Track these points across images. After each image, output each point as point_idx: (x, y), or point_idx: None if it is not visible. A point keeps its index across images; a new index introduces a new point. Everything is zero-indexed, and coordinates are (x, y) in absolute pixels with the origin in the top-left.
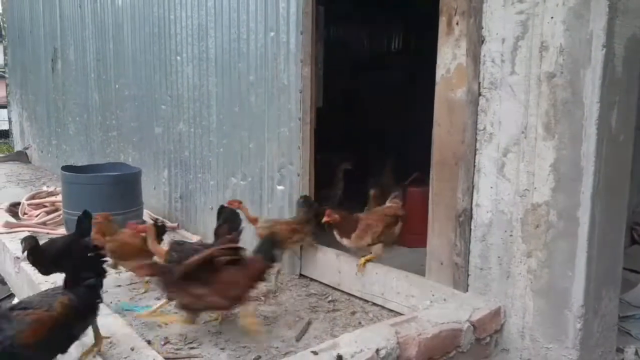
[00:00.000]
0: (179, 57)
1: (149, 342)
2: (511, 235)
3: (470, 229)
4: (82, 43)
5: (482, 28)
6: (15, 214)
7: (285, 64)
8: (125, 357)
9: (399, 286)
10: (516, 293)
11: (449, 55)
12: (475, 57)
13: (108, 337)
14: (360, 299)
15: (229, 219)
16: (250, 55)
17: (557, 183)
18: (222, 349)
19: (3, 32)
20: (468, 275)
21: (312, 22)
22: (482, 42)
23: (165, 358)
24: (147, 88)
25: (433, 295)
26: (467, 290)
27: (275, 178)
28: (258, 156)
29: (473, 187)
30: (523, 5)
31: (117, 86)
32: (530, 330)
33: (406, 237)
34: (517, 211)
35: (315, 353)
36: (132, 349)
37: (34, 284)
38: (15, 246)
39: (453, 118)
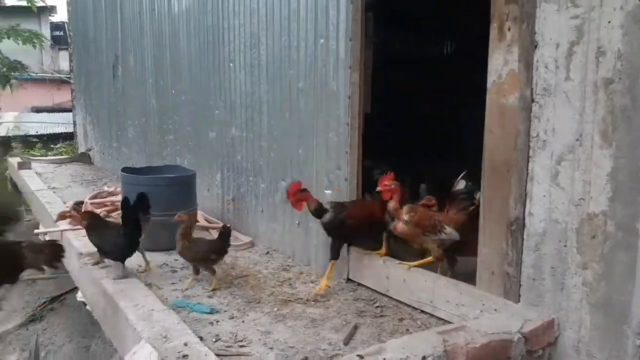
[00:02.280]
0: (232, 64)
1: (201, 339)
2: (565, 246)
3: (523, 238)
4: (141, 50)
5: (535, 33)
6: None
7: (334, 70)
8: (179, 352)
9: (449, 294)
10: (571, 306)
11: (501, 61)
12: (527, 63)
13: None
14: (409, 305)
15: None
16: (300, 62)
17: (615, 192)
18: (270, 348)
19: (69, 40)
20: (520, 285)
21: (361, 28)
22: (535, 47)
23: (216, 355)
24: (202, 94)
25: (483, 305)
26: (518, 301)
27: (324, 183)
28: (307, 161)
29: (526, 195)
30: (578, 9)
31: (173, 92)
32: (586, 345)
33: None
34: (572, 221)
35: (361, 357)
36: (185, 344)
37: (95, 279)
38: (79, 243)
39: (505, 125)
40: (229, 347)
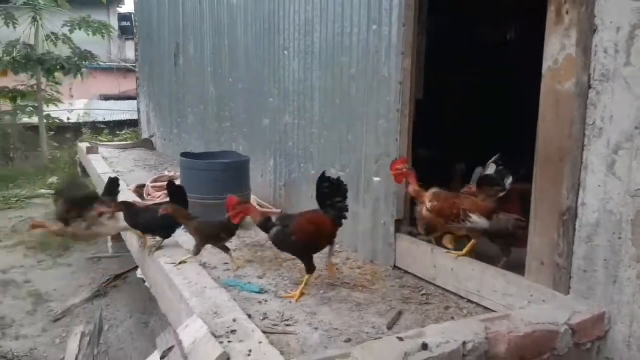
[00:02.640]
0: (286, 52)
1: (249, 316)
2: (620, 238)
3: (575, 229)
4: (200, 39)
5: (595, 17)
6: (140, 195)
7: (386, 56)
8: (228, 327)
9: (496, 284)
10: (623, 299)
11: (557, 46)
12: (585, 47)
13: None
14: (455, 294)
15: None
16: (352, 49)
17: None
18: (315, 328)
19: (135, 30)
20: (570, 277)
21: (415, 14)
22: (594, 31)
23: (263, 332)
24: (257, 82)
25: (532, 296)
26: (568, 293)
27: (372, 169)
28: (356, 147)
29: (579, 184)
30: None
31: (230, 80)
32: (638, 340)
33: None
34: (628, 212)
35: (401, 339)
36: (234, 320)
37: (153, 258)
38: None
39: (560, 112)
40: (275, 325)
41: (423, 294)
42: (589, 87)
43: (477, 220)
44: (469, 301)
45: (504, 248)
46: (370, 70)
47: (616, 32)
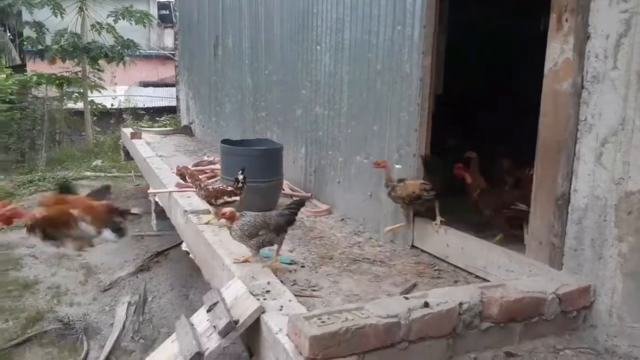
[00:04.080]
0: (318, 47)
1: (281, 282)
2: (605, 220)
3: (568, 212)
4: (239, 32)
5: (589, 25)
6: (183, 177)
7: (408, 54)
8: (263, 288)
9: (500, 261)
10: (606, 274)
11: (558, 50)
12: (580, 52)
13: None
14: (465, 270)
15: None
16: (378, 46)
17: None
18: (337, 293)
19: (174, 20)
20: (563, 255)
21: (435, 15)
22: (588, 38)
23: (292, 293)
24: (291, 74)
25: (530, 271)
26: (561, 269)
27: (394, 158)
28: (380, 137)
29: (572, 173)
30: (627, 4)
31: (266, 71)
32: (618, 310)
33: None
34: (612, 198)
35: (406, 298)
36: (269, 283)
37: (198, 231)
38: (184, 202)
39: (558, 109)
40: (303, 290)
41: (436, 270)
42: (582, 87)
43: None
44: (476, 276)
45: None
46: (394, 66)
47: (605, 39)
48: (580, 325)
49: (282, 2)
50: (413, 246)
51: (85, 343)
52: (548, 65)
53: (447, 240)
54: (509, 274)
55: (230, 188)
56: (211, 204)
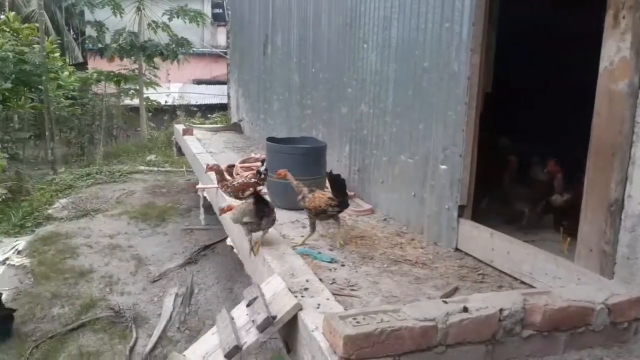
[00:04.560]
0: (365, 45)
1: (320, 280)
2: None
3: (621, 219)
4: (288, 31)
5: None
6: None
7: (456, 52)
8: (302, 285)
9: (547, 267)
10: None
11: (614, 48)
12: (638, 50)
13: None
14: (510, 276)
15: None
16: (426, 44)
17: None
18: (376, 294)
19: (227, 18)
20: (615, 263)
21: (485, 13)
22: None
23: (331, 292)
24: (337, 72)
25: (579, 279)
26: (612, 278)
27: (439, 158)
28: (425, 137)
29: (626, 178)
30: None
31: (313, 70)
32: None
33: None
34: None
35: (445, 302)
36: (307, 280)
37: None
38: (230, 197)
39: (612, 109)
40: (342, 289)
41: (480, 274)
42: (639, 87)
43: None
44: (522, 282)
45: None
46: (441, 64)
47: None
48: (631, 338)
49: (331, 0)
50: (457, 249)
51: (134, 331)
52: (603, 64)
53: (492, 244)
54: (556, 281)
55: (253, 180)
56: (239, 198)
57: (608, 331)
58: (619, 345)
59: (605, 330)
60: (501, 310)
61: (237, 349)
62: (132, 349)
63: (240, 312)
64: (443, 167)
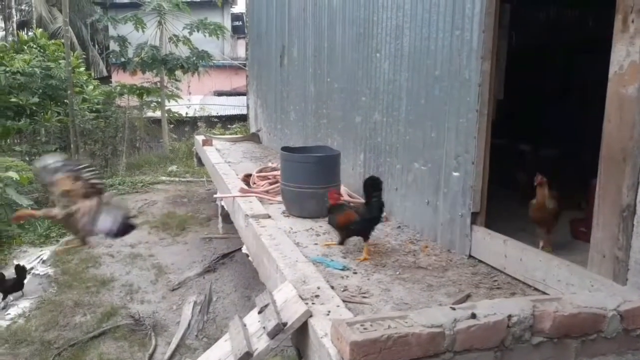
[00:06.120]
0: (378, 54)
1: (332, 287)
2: None
3: (633, 225)
4: (303, 41)
5: None
6: (247, 183)
7: (467, 60)
8: (313, 293)
9: (560, 274)
10: None
11: (623, 53)
12: None
13: None
14: (523, 283)
15: None
16: (437, 52)
17: None
18: (387, 301)
19: (246, 31)
20: (627, 269)
21: (495, 20)
22: None
23: (341, 300)
24: (351, 81)
25: (592, 286)
26: (625, 284)
27: (452, 165)
28: (438, 144)
29: (638, 183)
30: None
31: (328, 79)
32: None
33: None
34: None
35: (453, 308)
36: (319, 288)
37: (256, 235)
38: (246, 206)
39: (623, 114)
40: (353, 296)
41: (493, 281)
42: None
43: None
44: (535, 289)
45: None
46: (452, 72)
47: None
48: None
49: (345, 11)
50: (471, 256)
51: (154, 339)
52: (613, 69)
53: (505, 251)
54: (570, 287)
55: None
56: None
57: (621, 338)
58: (632, 353)
59: (617, 338)
60: (510, 316)
61: (248, 355)
62: (151, 357)
63: (252, 319)
64: (455, 174)
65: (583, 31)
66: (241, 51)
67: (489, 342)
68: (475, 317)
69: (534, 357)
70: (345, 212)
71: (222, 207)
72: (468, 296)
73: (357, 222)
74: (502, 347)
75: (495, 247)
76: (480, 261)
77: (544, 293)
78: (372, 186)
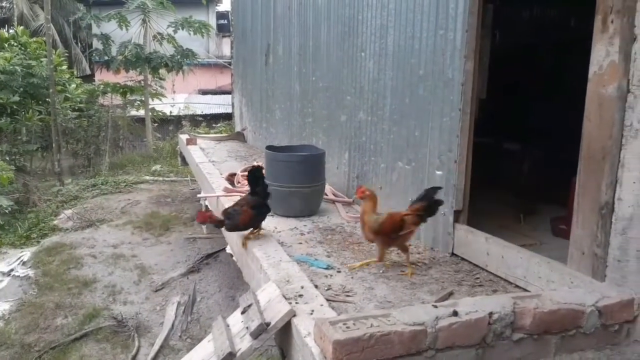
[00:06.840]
0: (363, 54)
1: (316, 286)
2: None
3: (611, 222)
4: (289, 40)
5: (635, 27)
6: (231, 182)
7: (450, 59)
8: (296, 292)
9: (541, 271)
10: None
11: (603, 53)
12: (626, 54)
13: None
14: (505, 280)
15: None
16: (421, 52)
17: None
18: (370, 300)
19: (231, 29)
20: (606, 266)
21: (478, 20)
22: (634, 40)
23: (325, 299)
24: (336, 80)
25: (572, 283)
26: (604, 281)
27: (435, 164)
28: (422, 143)
29: (616, 181)
30: None
31: (313, 78)
32: None
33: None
34: None
35: (435, 306)
36: (302, 287)
37: (240, 235)
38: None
39: (602, 113)
40: (336, 295)
41: (475, 278)
42: (628, 91)
43: None
44: (516, 286)
45: None
46: (436, 71)
47: None
48: (623, 340)
49: (330, 9)
50: (453, 254)
51: (137, 340)
52: (593, 68)
53: (487, 249)
54: (550, 284)
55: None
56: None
57: (599, 334)
58: (610, 348)
59: (596, 333)
60: (491, 313)
61: (231, 355)
62: (134, 358)
63: (236, 319)
64: (439, 172)
65: (567, 30)
66: (226, 49)
67: (471, 339)
68: (457, 314)
69: (514, 354)
70: (241, 212)
71: (206, 206)
72: (450, 294)
73: (259, 212)
74: (483, 344)
75: (477, 244)
76: (462, 259)
77: (525, 290)
78: (257, 178)
